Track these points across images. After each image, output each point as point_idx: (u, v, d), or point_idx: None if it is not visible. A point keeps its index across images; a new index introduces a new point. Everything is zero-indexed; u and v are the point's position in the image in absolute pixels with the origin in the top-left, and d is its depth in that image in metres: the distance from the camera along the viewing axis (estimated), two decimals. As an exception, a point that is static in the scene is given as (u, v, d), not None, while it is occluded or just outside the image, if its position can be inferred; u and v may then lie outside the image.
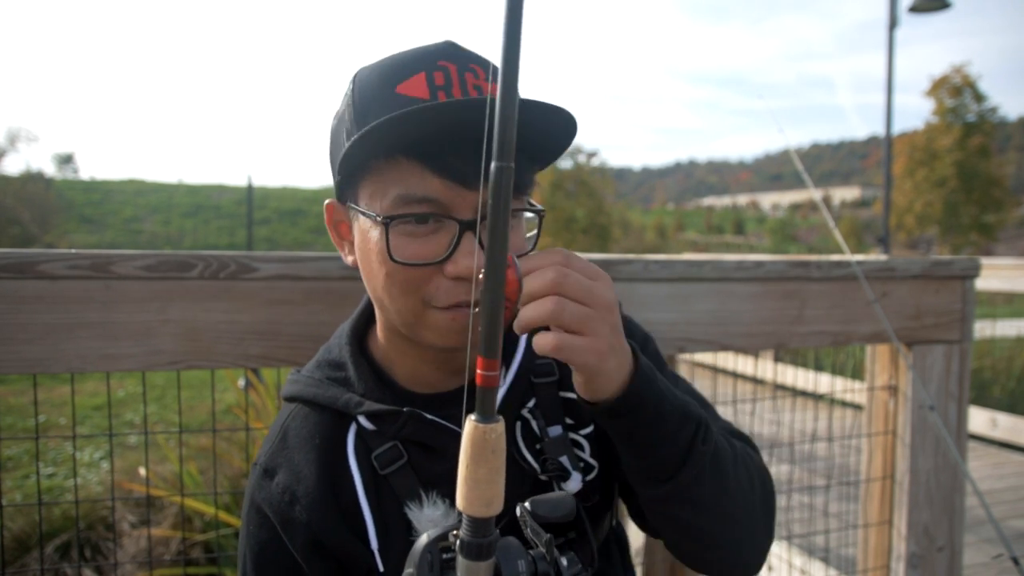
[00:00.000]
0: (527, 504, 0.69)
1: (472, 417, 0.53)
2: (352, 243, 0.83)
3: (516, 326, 0.65)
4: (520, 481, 0.84)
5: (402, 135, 0.71)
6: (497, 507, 0.53)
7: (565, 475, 0.83)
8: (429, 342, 0.79)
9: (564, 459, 0.84)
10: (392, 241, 0.74)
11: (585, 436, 0.89)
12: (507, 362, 0.88)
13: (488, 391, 0.52)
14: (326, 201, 0.87)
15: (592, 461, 0.88)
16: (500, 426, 0.53)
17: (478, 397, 0.52)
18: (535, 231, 0.82)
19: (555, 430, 0.86)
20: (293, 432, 0.87)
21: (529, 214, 0.80)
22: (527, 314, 0.64)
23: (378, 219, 0.74)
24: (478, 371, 0.51)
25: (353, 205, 0.79)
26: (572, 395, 0.89)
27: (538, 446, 0.85)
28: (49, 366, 1.16)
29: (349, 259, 0.85)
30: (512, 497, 0.83)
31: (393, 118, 0.69)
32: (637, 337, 0.97)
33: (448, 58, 0.76)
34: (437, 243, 0.74)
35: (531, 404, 0.87)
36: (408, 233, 0.74)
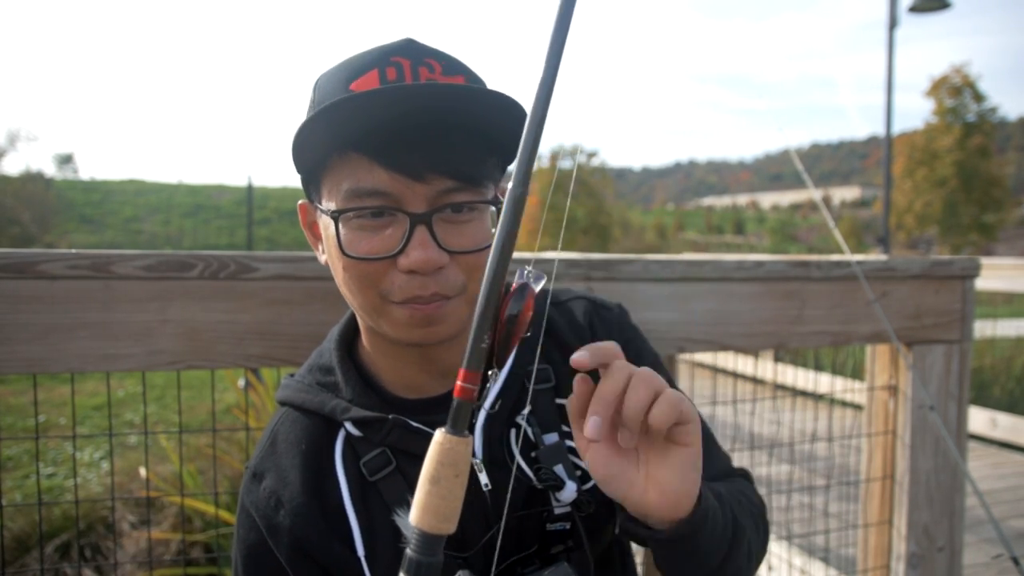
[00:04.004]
0: None
1: (443, 428, 0.51)
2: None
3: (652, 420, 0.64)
4: (514, 490, 0.82)
5: (345, 127, 0.71)
6: (451, 527, 0.51)
7: (559, 484, 0.82)
8: (391, 337, 0.79)
9: (559, 468, 0.83)
10: (346, 236, 0.74)
11: None
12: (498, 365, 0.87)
13: (463, 404, 0.50)
14: (299, 202, 0.87)
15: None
16: (468, 443, 0.52)
17: (452, 409, 0.51)
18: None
19: (551, 438, 0.85)
20: (282, 437, 0.87)
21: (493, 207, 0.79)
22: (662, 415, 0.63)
23: (330, 213, 0.75)
24: (457, 382, 0.49)
25: (317, 204, 0.79)
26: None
27: (533, 454, 0.84)
28: (49, 366, 1.16)
29: (322, 258, 0.85)
30: (507, 505, 0.82)
31: (326, 106, 0.69)
32: (647, 358, 0.96)
33: (403, 54, 0.76)
34: (390, 237, 0.74)
35: (526, 411, 0.86)
36: (361, 227, 0.74)
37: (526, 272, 0.55)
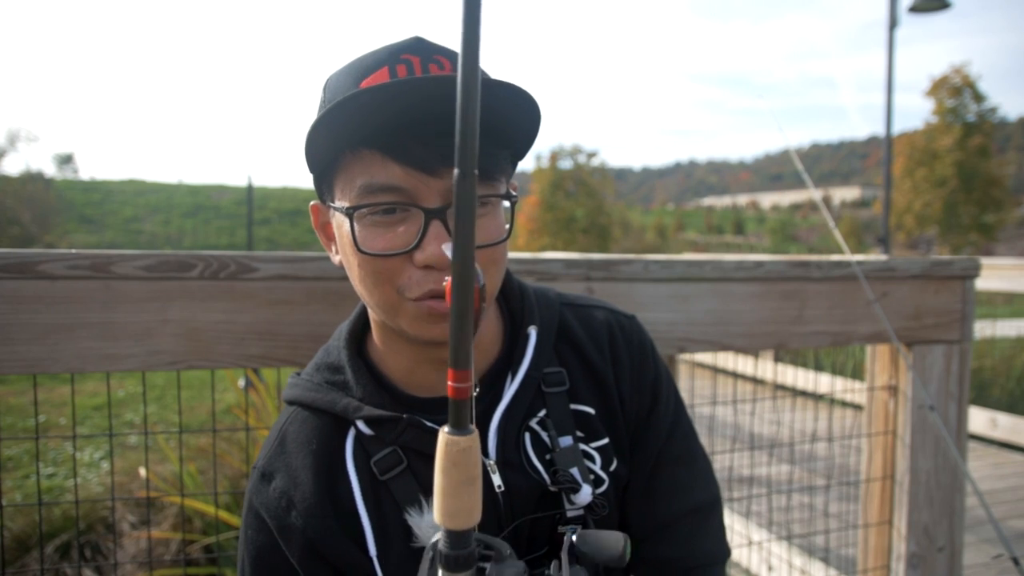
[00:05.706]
0: (574, 537, 0.70)
1: (445, 429, 0.52)
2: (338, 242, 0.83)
3: None
4: (529, 492, 0.82)
5: (356, 123, 0.71)
6: (475, 519, 0.52)
7: (576, 487, 0.81)
8: (409, 334, 0.78)
9: (575, 471, 0.83)
10: (361, 232, 0.74)
11: (596, 449, 0.88)
12: (513, 369, 0.87)
13: (460, 403, 0.50)
14: (311, 203, 0.86)
15: (603, 474, 0.87)
16: (473, 438, 0.52)
17: (450, 409, 0.51)
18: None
19: (565, 440, 0.85)
20: (291, 436, 0.86)
21: (506, 202, 0.78)
22: None
23: (344, 210, 0.75)
24: (448, 383, 0.49)
25: (330, 203, 0.79)
26: (583, 407, 0.88)
27: (548, 456, 0.84)
28: (49, 366, 1.16)
29: (336, 259, 0.85)
30: (520, 507, 0.82)
31: (337, 103, 0.69)
32: (663, 381, 0.95)
33: (413, 52, 0.76)
34: (405, 232, 0.73)
35: (542, 414, 0.86)
36: (375, 224, 0.74)
37: None
